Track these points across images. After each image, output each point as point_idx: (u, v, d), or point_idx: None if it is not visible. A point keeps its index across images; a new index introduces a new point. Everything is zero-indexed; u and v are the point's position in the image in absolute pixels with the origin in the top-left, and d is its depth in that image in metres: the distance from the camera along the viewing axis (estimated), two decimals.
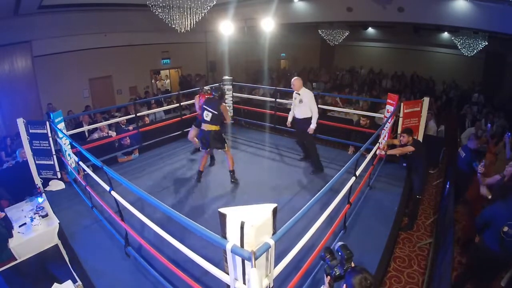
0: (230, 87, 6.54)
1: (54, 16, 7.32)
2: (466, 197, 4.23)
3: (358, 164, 3.13)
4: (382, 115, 5.41)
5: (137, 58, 10.01)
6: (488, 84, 10.75)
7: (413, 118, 4.74)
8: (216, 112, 4.03)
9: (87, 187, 3.53)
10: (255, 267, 1.43)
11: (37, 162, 4.14)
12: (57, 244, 3.13)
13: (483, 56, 10.23)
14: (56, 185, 4.28)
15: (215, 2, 6.02)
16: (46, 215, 3.34)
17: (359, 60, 14.49)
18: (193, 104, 5.50)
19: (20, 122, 3.93)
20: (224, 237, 1.62)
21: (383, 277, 3.11)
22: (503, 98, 9.80)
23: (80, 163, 3.31)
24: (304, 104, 4.49)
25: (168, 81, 12.56)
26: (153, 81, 11.41)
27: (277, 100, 6.39)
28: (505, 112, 7.13)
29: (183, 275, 2.26)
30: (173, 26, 6.32)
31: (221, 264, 1.79)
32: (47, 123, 4.02)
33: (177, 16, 6.17)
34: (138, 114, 5.51)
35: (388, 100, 4.96)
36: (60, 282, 2.56)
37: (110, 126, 5.96)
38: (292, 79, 4.56)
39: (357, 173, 3.08)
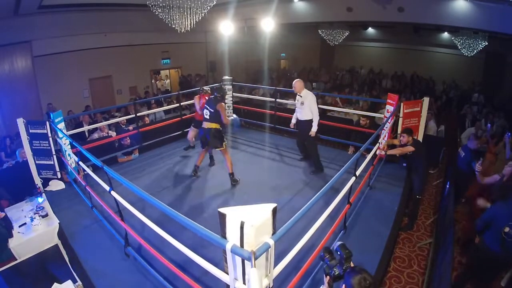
0: (230, 87, 6.54)
1: (54, 16, 7.32)
2: (466, 197, 4.23)
3: (358, 164, 3.12)
4: (382, 115, 5.41)
5: (137, 58, 10.01)
6: (488, 84, 10.75)
7: (413, 118, 4.74)
8: (213, 110, 4.10)
9: (87, 187, 3.53)
10: (255, 267, 1.43)
11: (37, 162, 4.14)
12: (57, 244, 3.13)
13: (483, 56, 10.22)
14: (56, 185, 4.28)
15: (215, 2, 6.02)
16: (46, 215, 3.34)
17: (359, 60, 14.48)
18: (193, 104, 5.51)
19: (20, 122, 3.93)
20: (224, 237, 1.62)
21: (383, 277, 3.11)
22: (503, 98, 9.80)
23: (80, 163, 3.31)
24: (305, 107, 4.50)
25: (168, 81, 12.57)
26: (153, 81, 11.41)
27: (277, 100, 6.40)
28: (505, 112, 7.12)
29: (183, 275, 2.26)
30: (173, 26, 6.32)
31: (221, 264, 1.80)
32: (47, 123, 4.02)
33: (177, 16, 6.17)
34: (138, 114, 5.51)
35: (388, 100, 4.96)
36: (60, 282, 2.56)
37: (110, 126, 5.96)
38: (293, 82, 4.57)
39: (357, 173, 3.08)
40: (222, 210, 1.61)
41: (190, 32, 6.50)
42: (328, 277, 1.63)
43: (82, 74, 8.80)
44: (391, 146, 4.32)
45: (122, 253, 2.98)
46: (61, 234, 3.25)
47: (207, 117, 4.18)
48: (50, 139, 4.08)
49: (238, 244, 1.53)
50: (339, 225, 3.01)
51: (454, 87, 11.42)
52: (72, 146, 4.04)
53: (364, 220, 3.54)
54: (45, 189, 4.20)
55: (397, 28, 11.48)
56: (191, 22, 6.26)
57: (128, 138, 5.24)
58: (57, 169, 4.24)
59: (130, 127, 5.84)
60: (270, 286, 1.73)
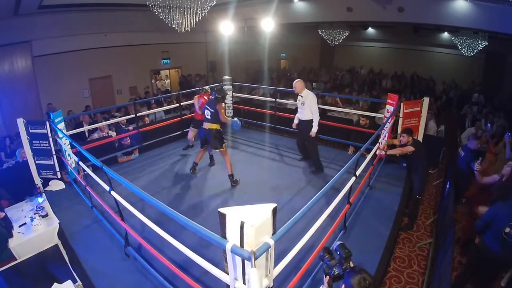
0: (230, 87, 6.54)
1: (54, 16, 7.32)
2: (467, 197, 4.23)
3: (358, 164, 3.13)
4: (382, 115, 5.41)
5: (137, 58, 10.01)
6: (488, 84, 10.75)
7: (413, 118, 4.74)
8: (213, 110, 4.12)
9: (87, 187, 3.53)
10: (255, 267, 1.43)
11: (37, 162, 4.14)
12: (57, 244, 3.13)
13: (483, 56, 10.23)
14: (56, 185, 4.28)
15: (215, 2, 6.02)
16: (46, 215, 3.34)
17: (359, 60, 14.49)
18: (193, 104, 5.52)
19: (20, 122, 3.93)
20: (224, 237, 1.63)
21: (383, 277, 3.11)
22: (503, 98, 9.80)
23: (80, 163, 3.31)
24: (305, 107, 4.50)
25: (168, 81, 12.57)
26: (153, 81, 11.41)
27: (277, 100, 6.40)
28: (505, 112, 7.12)
29: (183, 275, 2.26)
30: (173, 26, 6.32)
31: (221, 264, 1.80)
32: (47, 123, 4.02)
33: (177, 16, 6.17)
34: (138, 114, 5.51)
35: (388, 100, 4.96)
36: (60, 282, 2.56)
37: (110, 126, 5.96)
38: (294, 82, 4.57)
39: (357, 173, 3.08)
40: (222, 210, 1.61)
41: (190, 32, 6.50)
42: (327, 277, 1.63)
43: (82, 74, 8.80)
44: (391, 146, 4.32)
45: (122, 253, 2.98)
46: (61, 234, 3.25)
47: (208, 117, 4.19)
48: (50, 139, 4.08)
49: (238, 244, 1.53)
50: (339, 225, 3.01)
51: (454, 87, 11.42)
52: (72, 146, 4.04)
53: (364, 220, 3.54)
54: (45, 189, 4.21)
55: (397, 28, 11.48)
56: (191, 22, 6.26)
57: (128, 138, 5.25)
58: (57, 169, 4.24)
59: (130, 127, 5.84)
60: (270, 286, 1.73)
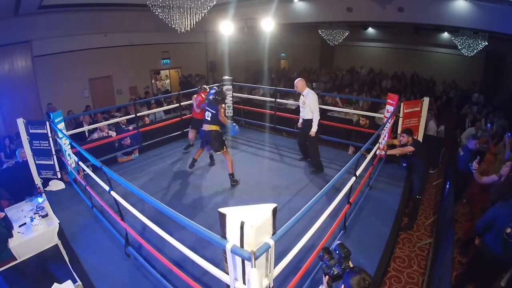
0: (230, 87, 6.54)
1: (54, 16, 7.32)
2: (467, 197, 4.23)
3: (358, 164, 3.13)
4: (382, 115, 5.41)
5: (137, 58, 10.01)
6: (488, 84, 10.75)
7: (413, 118, 4.73)
8: (214, 112, 4.11)
9: (87, 187, 3.53)
10: (255, 267, 1.43)
11: (37, 162, 4.14)
12: (57, 244, 3.13)
13: (483, 56, 10.23)
14: (56, 185, 4.28)
15: (215, 2, 6.02)
16: (46, 215, 3.34)
17: (359, 60, 14.48)
18: (192, 104, 5.51)
19: (20, 122, 3.93)
20: (224, 237, 1.62)
21: (383, 277, 3.11)
22: (503, 98, 9.79)
23: (80, 163, 3.31)
24: (306, 106, 4.49)
25: (168, 81, 12.57)
26: (153, 81, 11.42)
27: (277, 100, 6.40)
28: (505, 112, 7.13)
29: (183, 275, 2.26)
30: (173, 26, 6.32)
31: (221, 264, 1.80)
32: (47, 123, 4.02)
33: (177, 16, 6.17)
34: (138, 114, 5.52)
35: (388, 100, 4.96)
36: (60, 282, 2.56)
37: (110, 126, 5.96)
38: (295, 81, 4.56)
39: (357, 173, 3.08)
40: (222, 210, 1.61)
41: (190, 32, 6.50)
42: (327, 276, 1.63)
43: (82, 74, 8.80)
44: (391, 146, 4.32)
45: (122, 253, 2.98)
46: (61, 234, 3.25)
47: (208, 119, 4.18)
48: (50, 139, 4.08)
49: (238, 244, 1.53)
50: (339, 225, 3.01)
51: (454, 87, 11.42)
52: (72, 146, 4.04)
53: (364, 220, 3.54)
54: (45, 189, 4.21)
55: (397, 28, 11.49)
56: (191, 22, 6.26)
57: (128, 138, 5.25)
58: (57, 169, 4.24)
59: (130, 127, 5.84)
60: (270, 286, 1.73)
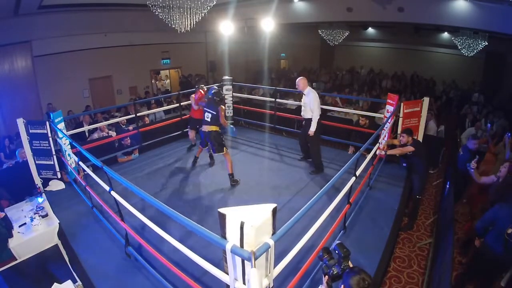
0: (230, 87, 6.54)
1: (54, 16, 7.32)
2: (467, 197, 4.22)
3: (358, 164, 3.13)
4: (382, 115, 5.41)
5: (137, 58, 10.01)
6: (488, 84, 10.75)
7: (413, 118, 4.73)
8: (215, 113, 4.12)
9: (87, 187, 3.53)
10: (255, 267, 1.43)
11: (37, 162, 4.14)
12: (57, 244, 3.13)
13: (483, 56, 10.23)
14: (56, 185, 4.28)
15: (215, 2, 6.02)
16: (46, 215, 3.34)
17: (359, 60, 14.48)
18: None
19: (20, 122, 3.93)
20: (224, 237, 1.63)
21: (383, 277, 3.11)
22: (503, 98, 9.79)
23: (80, 163, 3.31)
24: (307, 105, 4.49)
25: (168, 81, 12.57)
26: (153, 81, 11.42)
27: (277, 100, 6.40)
28: (505, 112, 7.12)
29: (183, 275, 2.26)
30: (173, 26, 6.32)
31: (221, 264, 1.80)
32: (47, 123, 4.02)
33: (177, 16, 6.17)
34: (138, 114, 5.52)
35: (388, 100, 4.96)
36: (60, 282, 2.56)
37: (110, 126, 5.96)
38: (297, 80, 4.56)
39: (357, 173, 3.08)
40: (222, 210, 1.61)
41: (190, 32, 6.50)
42: (326, 276, 1.63)
43: (82, 74, 8.80)
44: (391, 146, 4.32)
45: (122, 253, 2.98)
46: (61, 234, 3.25)
47: (208, 119, 4.18)
48: (50, 139, 4.08)
49: (238, 244, 1.53)
50: (339, 225, 3.01)
51: (454, 87, 11.42)
52: (72, 146, 4.04)
53: (364, 220, 3.54)
54: (45, 189, 4.21)
55: (397, 28, 11.49)
56: (191, 22, 6.26)
57: (128, 138, 5.25)
58: (57, 169, 4.24)
59: (130, 127, 5.84)
60: (270, 286, 1.73)
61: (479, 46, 8.44)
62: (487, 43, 8.35)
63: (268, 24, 7.26)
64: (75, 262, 2.94)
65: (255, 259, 1.45)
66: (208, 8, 6.10)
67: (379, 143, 4.14)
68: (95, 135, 5.44)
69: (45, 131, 4.04)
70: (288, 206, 3.80)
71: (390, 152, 4.05)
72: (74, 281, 2.64)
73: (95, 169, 3.46)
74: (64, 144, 4.11)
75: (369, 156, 3.52)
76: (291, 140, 6.04)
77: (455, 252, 3.35)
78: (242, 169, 4.72)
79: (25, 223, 3.18)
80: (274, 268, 1.76)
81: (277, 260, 1.83)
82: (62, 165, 4.30)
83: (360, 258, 2.79)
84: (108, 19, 8.39)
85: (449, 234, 2.97)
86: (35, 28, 7.20)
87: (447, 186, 4.25)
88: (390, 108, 4.86)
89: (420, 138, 4.70)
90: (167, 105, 7.40)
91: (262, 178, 4.61)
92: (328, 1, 8.83)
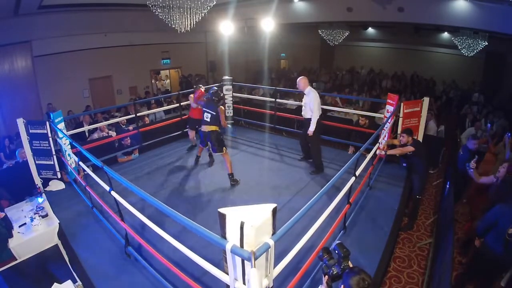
0: (230, 87, 6.54)
1: (54, 16, 7.33)
2: (467, 197, 4.22)
3: (358, 164, 3.13)
4: (382, 115, 5.41)
5: (137, 58, 10.02)
6: (488, 84, 10.75)
7: (413, 118, 4.73)
8: (214, 113, 4.13)
9: (87, 187, 3.53)
10: (254, 267, 1.43)
11: (37, 162, 4.14)
12: (57, 244, 3.13)
13: (483, 56, 10.23)
14: (56, 185, 4.28)
15: (215, 2, 6.02)
16: (46, 215, 3.34)
17: (359, 60, 14.48)
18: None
19: (20, 122, 3.93)
20: (224, 237, 1.63)
21: (383, 277, 3.11)
22: (503, 98, 9.79)
23: (80, 163, 3.31)
24: (307, 104, 4.49)
25: (168, 81, 12.57)
26: (153, 81, 11.42)
27: (277, 100, 6.40)
28: (505, 112, 7.12)
29: (183, 275, 2.26)
30: (173, 26, 6.32)
31: (221, 264, 1.79)
32: (47, 123, 4.02)
33: (177, 16, 6.18)
34: (138, 114, 5.52)
35: (388, 100, 4.96)
36: (60, 282, 2.56)
37: (110, 126, 5.96)
38: (298, 79, 4.56)
39: (357, 173, 3.08)
40: (222, 210, 1.61)
41: (190, 32, 6.50)
42: (326, 276, 1.63)
43: (82, 74, 8.80)
44: (391, 146, 4.32)
45: (122, 253, 2.98)
46: (61, 234, 3.25)
47: (207, 120, 4.19)
48: (50, 139, 4.08)
49: (238, 244, 1.53)
50: (339, 225, 3.01)
51: (454, 87, 11.42)
52: (72, 146, 4.04)
53: (364, 220, 3.54)
54: (45, 189, 4.21)
55: (397, 28, 11.48)
56: (191, 22, 6.26)
57: (128, 138, 5.25)
58: (57, 169, 4.24)
59: (130, 127, 5.84)
60: (270, 286, 1.73)
61: (479, 46, 8.44)
62: (487, 43, 8.35)
63: (268, 24, 7.26)
64: (75, 262, 2.94)
65: (255, 259, 1.45)
66: (208, 8, 6.10)
67: (379, 143, 4.14)
68: (95, 135, 5.44)
69: (45, 131, 4.04)
70: (288, 206, 3.80)
71: (390, 152, 4.05)
72: (74, 281, 2.64)
73: (95, 169, 3.46)
74: (64, 144, 4.11)
75: (369, 156, 3.52)
76: (291, 140, 6.03)
77: (455, 252, 3.35)
78: (242, 169, 4.72)
79: (25, 223, 3.18)
80: (274, 268, 1.76)
81: (277, 260, 1.83)
82: (62, 165, 4.30)
83: (360, 258, 2.79)
84: (108, 19, 8.39)
85: (449, 234, 2.97)
86: (35, 28, 7.20)
87: (447, 186, 4.25)
88: (390, 108, 4.86)
89: (420, 138, 4.70)
90: (167, 105, 7.40)
91: (262, 178, 4.61)
92: (328, 1, 8.83)
